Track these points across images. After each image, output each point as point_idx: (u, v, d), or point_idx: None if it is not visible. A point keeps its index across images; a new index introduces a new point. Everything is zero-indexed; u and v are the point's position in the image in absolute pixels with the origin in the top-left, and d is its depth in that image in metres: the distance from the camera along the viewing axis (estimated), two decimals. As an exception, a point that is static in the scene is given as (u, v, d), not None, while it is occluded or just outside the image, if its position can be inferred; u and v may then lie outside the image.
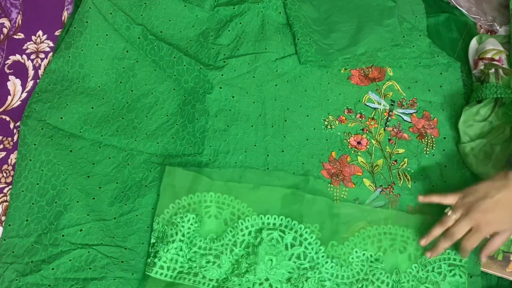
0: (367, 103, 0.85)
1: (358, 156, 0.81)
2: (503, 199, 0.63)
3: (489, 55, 0.84)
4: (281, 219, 0.74)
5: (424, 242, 0.69)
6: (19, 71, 0.90)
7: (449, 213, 0.67)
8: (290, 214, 0.74)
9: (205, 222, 0.74)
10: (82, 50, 0.88)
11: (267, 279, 0.70)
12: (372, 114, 0.84)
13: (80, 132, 0.83)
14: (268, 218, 0.74)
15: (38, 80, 0.88)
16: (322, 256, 0.72)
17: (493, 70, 0.81)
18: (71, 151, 0.80)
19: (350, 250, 0.72)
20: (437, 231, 0.68)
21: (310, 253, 0.72)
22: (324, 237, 0.73)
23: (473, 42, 0.88)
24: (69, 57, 0.88)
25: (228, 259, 0.72)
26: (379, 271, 0.71)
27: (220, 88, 0.86)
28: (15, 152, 0.82)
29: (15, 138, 0.84)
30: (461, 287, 0.70)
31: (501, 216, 0.63)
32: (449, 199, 0.68)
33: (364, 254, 0.72)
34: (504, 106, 0.78)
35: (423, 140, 0.82)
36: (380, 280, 0.71)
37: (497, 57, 0.83)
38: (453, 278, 0.70)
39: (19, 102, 0.87)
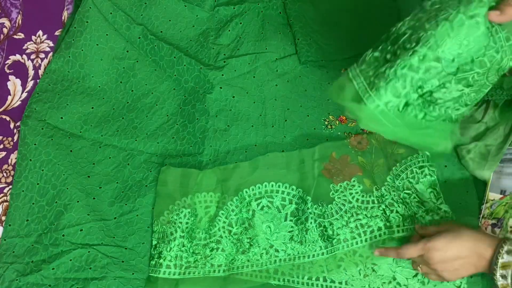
0: (367, 103, 0.85)
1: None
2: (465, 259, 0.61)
3: None
4: (265, 186, 0.75)
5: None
6: (19, 71, 0.90)
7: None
8: (272, 178, 0.76)
9: (200, 214, 0.75)
10: (82, 50, 0.88)
11: (271, 246, 0.71)
12: (372, 114, 0.84)
13: (80, 132, 0.83)
14: (252, 190, 0.75)
15: (38, 80, 0.88)
16: (311, 205, 0.73)
17: None
18: (71, 151, 0.80)
19: (330, 187, 0.75)
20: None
21: (301, 207, 0.73)
22: (306, 188, 0.75)
23: None
24: (69, 57, 0.88)
25: (229, 240, 0.72)
26: (358, 194, 0.74)
27: (221, 88, 0.86)
28: (15, 152, 0.82)
29: (15, 138, 0.84)
30: (433, 186, 0.73)
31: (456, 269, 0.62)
32: (410, 252, 0.64)
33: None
34: (500, 106, 0.78)
35: (423, 140, 0.82)
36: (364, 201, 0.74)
37: None
38: (425, 178, 0.73)
39: (19, 102, 0.87)
